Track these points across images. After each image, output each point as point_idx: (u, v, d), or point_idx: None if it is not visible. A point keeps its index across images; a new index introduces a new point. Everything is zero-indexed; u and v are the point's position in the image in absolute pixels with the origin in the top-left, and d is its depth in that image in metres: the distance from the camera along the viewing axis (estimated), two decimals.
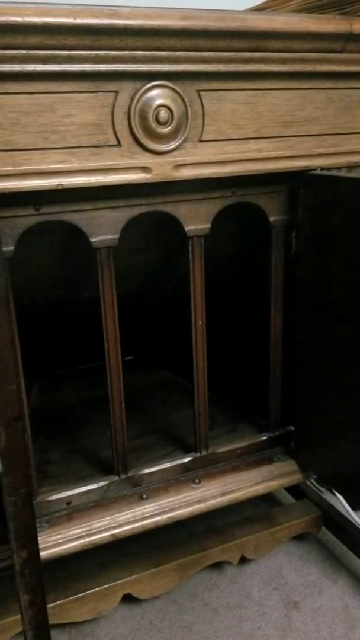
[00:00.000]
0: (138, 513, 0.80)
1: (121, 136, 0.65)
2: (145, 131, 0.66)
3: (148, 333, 1.24)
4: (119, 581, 0.92)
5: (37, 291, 1.13)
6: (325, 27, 0.69)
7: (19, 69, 0.58)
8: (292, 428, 0.92)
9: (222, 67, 0.67)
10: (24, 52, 0.57)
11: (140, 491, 0.83)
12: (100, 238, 0.71)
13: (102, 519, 0.79)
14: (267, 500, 1.21)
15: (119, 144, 0.65)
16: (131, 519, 0.80)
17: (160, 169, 0.68)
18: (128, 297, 0.86)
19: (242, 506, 1.11)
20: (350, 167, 0.80)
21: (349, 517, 1.07)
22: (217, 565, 1.03)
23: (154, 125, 0.65)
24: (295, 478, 0.90)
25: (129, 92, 0.64)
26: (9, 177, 0.61)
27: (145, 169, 0.67)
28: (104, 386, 0.78)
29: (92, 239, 0.71)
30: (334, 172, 0.78)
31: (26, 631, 0.65)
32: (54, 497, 0.79)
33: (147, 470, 0.84)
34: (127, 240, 0.74)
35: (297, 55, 0.70)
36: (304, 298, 0.82)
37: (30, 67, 0.59)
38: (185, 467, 0.86)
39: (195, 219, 0.76)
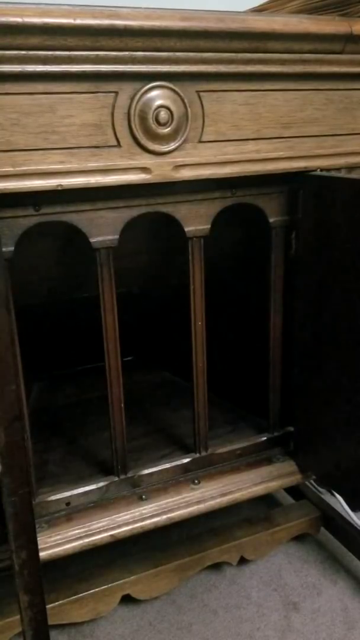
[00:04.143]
0: (137, 514, 0.80)
1: (121, 137, 0.65)
2: (145, 132, 0.66)
3: (148, 333, 1.24)
4: (118, 582, 0.92)
5: (37, 292, 1.13)
6: (325, 28, 0.69)
7: (19, 69, 0.58)
8: (291, 429, 0.92)
9: (222, 68, 0.67)
10: (24, 52, 0.58)
11: (139, 492, 0.83)
12: (100, 238, 0.71)
13: (102, 520, 0.79)
14: (266, 501, 1.21)
15: (118, 145, 0.65)
16: (130, 520, 0.80)
17: (160, 170, 0.68)
18: (128, 298, 0.86)
19: (241, 507, 1.11)
20: (350, 168, 0.80)
21: (349, 518, 1.07)
22: (217, 566, 1.03)
23: (153, 126, 0.66)
24: (295, 479, 0.90)
25: (128, 92, 0.64)
26: (9, 177, 0.61)
27: (145, 169, 0.67)
28: (103, 387, 0.78)
29: (91, 240, 0.71)
30: (334, 173, 0.78)
31: (25, 632, 0.65)
32: (53, 497, 0.79)
33: (146, 471, 0.84)
34: (126, 240, 0.74)
35: (297, 56, 0.70)
36: (304, 299, 0.82)
37: (31, 68, 0.59)
38: (184, 468, 0.86)
39: (195, 219, 0.76)
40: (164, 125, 0.66)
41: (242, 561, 1.02)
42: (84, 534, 0.77)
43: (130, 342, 0.88)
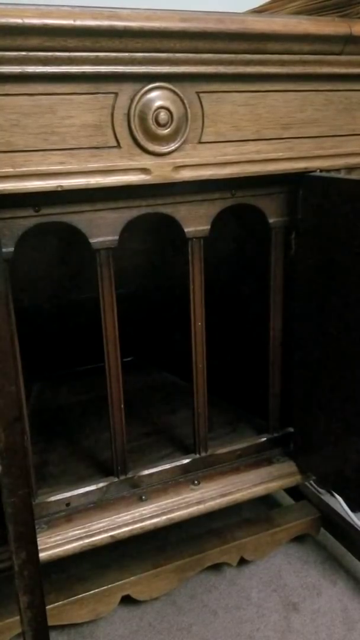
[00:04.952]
0: (137, 514, 0.80)
1: (121, 138, 0.65)
2: (144, 133, 0.66)
3: (147, 334, 1.24)
4: (118, 583, 0.92)
5: (37, 292, 1.13)
6: (324, 29, 0.69)
7: (19, 70, 0.58)
8: (291, 429, 0.92)
9: (221, 69, 0.67)
10: (24, 53, 0.58)
11: (139, 492, 0.83)
12: (99, 239, 0.71)
13: (101, 521, 0.79)
14: (266, 501, 1.21)
15: (118, 146, 0.65)
16: (130, 521, 0.80)
17: (159, 171, 0.68)
18: (127, 298, 0.86)
19: (241, 507, 1.11)
20: (350, 168, 0.80)
21: (348, 519, 1.07)
22: (216, 567, 1.03)
23: (153, 126, 0.66)
24: (295, 479, 0.90)
25: (128, 93, 0.64)
26: (9, 178, 0.61)
27: (144, 170, 0.67)
28: (103, 387, 0.78)
29: (91, 240, 0.71)
30: (333, 174, 0.78)
31: (25, 632, 0.65)
32: (53, 498, 0.79)
33: (146, 472, 0.84)
34: (126, 241, 0.74)
35: (297, 57, 0.70)
36: (303, 299, 0.82)
37: (30, 69, 0.59)
38: (184, 469, 0.86)
39: (195, 220, 0.76)
40: (163, 126, 0.66)
41: (242, 562, 1.02)
42: (83, 535, 0.77)
43: (130, 343, 0.88)
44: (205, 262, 0.78)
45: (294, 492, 1.18)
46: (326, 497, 1.14)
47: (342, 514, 1.08)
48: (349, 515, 1.08)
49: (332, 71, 0.73)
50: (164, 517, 0.81)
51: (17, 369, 0.69)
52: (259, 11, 0.87)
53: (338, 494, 1.06)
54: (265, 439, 0.92)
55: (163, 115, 0.66)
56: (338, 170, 0.79)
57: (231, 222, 0.86)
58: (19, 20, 0.55)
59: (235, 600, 0.99)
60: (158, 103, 0.65)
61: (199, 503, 0.83)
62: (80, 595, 0.90)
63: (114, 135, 0.65)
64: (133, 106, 0.64)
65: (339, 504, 1.11)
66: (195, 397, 0.84)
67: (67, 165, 0.64)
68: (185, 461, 0.86)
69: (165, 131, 0.66)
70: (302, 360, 0.85)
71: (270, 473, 0.89)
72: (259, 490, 0.87)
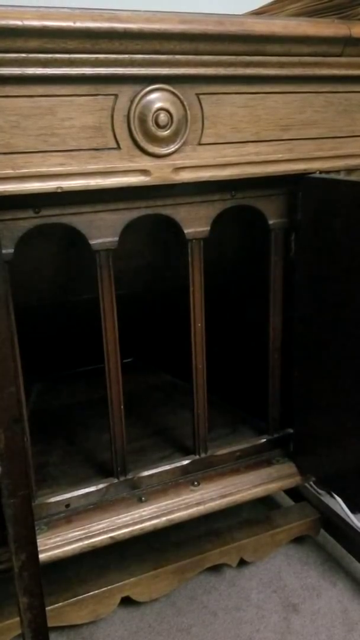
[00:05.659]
0: (137, 515, 0.80)
1: (121, 139, 0.65)
2: (144, 134, 0.66)
3: (147, 335, 1.24)
4: (118, 584, 0.92)
5: (37, 293, 1.13)
6: (324, 31, 0.69)
7: (19, 72, 0.58)
8: (291, 430, 0.92)
9: (221, 71, 0.67)
10: (23, 55, 0.58)
11: (139, 493, 0.83)
12: (99, 241, 0.72)
13: (101, 522, 0.79)
14: (266, 502, 1.21)
15: (118, 147, 0.66)
16: (130, 522, 0.80)
17: (159, 172, 0.68)
18: (127, 299, 0.86)
19: (241, 509, 1.11)
20: (349, 170, 0.80)
21: (348, 520, 1.07)
22: (216, 568, 1.03)
23: (153, 128, 0.66)
24: (294, 480, 0.90)
25: (128, 95, 0.64)
26: (9, 179, 0.62)
27: (144, 172, 0.68)
28: (103, 388, 0.78)
29: (91, 242, 0.71)
30: (333, 175, 0.78)
31: (25, 634, 0.65)
32: (53, 499, 0.79)
33: (146, 473, 0.84)
34: (126, 242, 0.74)
35: (296, 59, 0.70)
36: (303, 300, 0.82)
37: (30, 71, 0.59)
38: (184, 470, 0.86)
39: (195, 221, 0.76)
40: (163, 127, 0.66)
41: (242, 563, 1.02)
42: (83, 536, 0.77)
43: (130, 344, 0.88)
44: (205, 263, 0.78)
45: (294, 493, 1.18)
46: (326, 498, 1.14)
47: (342, 515, 1.08)
48: (348, 517, 1.08)
49: (331, 73, 0.73)
50: (163, 518, 0.81)
51: (17, 369, 0.70)
52: (258, 13, 0.87)
53: (338, 495, 1.06)
54: (265, 440, 0.92)
55: (163, 117, 0.66)
56: (338, 171, 0.79)
57: (231, 223, 0.86)
58: (18, 22, 0.55)
59: (235, 601, 0.99)
60: (158, 105, 0.65)
61: (198, 504, 0.83)
62: (80, 597, 0.90)
63: (113, 137, 0.65)
64: (133, 108, 0.65)
65: (339, 505, 1.11)
66: (195, 398, 0.84)
67: (67, 167, 0.64)
68: (185, 462, 0.86)
69: (165, 133, 0.67)
70: (302, 362, 0.85)
71: (270, 474, 0.89)
72: (258, 491, 0.87)
